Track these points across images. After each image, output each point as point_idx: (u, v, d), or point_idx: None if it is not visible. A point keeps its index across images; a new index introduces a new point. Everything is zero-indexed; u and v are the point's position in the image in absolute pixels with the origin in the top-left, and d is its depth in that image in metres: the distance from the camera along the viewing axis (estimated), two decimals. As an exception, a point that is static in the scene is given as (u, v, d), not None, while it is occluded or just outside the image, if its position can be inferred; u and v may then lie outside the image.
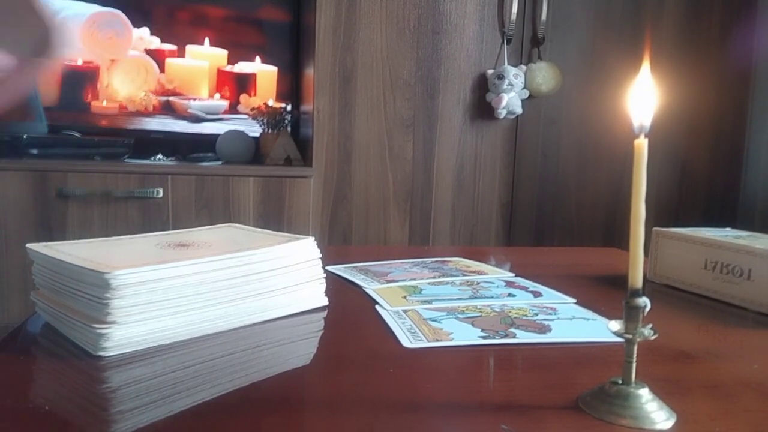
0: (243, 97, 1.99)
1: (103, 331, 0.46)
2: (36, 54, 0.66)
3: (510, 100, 1.81)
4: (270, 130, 1.85)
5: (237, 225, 0.71)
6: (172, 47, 1.93)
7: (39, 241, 0.57)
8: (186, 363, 0.46)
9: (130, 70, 1.90)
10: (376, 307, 0.59)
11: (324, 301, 0.61)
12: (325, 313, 0.60)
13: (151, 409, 0.37)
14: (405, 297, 0.62)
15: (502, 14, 1.86)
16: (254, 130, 1.89)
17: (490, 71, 1.85)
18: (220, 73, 1.98)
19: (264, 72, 2.00)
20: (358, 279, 0.71)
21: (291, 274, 0.58)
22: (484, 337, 0.49)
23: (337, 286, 0.68)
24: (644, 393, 0.35)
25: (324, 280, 0.61)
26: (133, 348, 0.48)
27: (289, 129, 1.91)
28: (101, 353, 0.46)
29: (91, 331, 0.47)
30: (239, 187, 1.62)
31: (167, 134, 1.92)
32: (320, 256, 0.60)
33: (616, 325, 0.36)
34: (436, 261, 0.80)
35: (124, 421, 0.35)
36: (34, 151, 1.56)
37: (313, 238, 0.60)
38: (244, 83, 1.99)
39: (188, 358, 0.47)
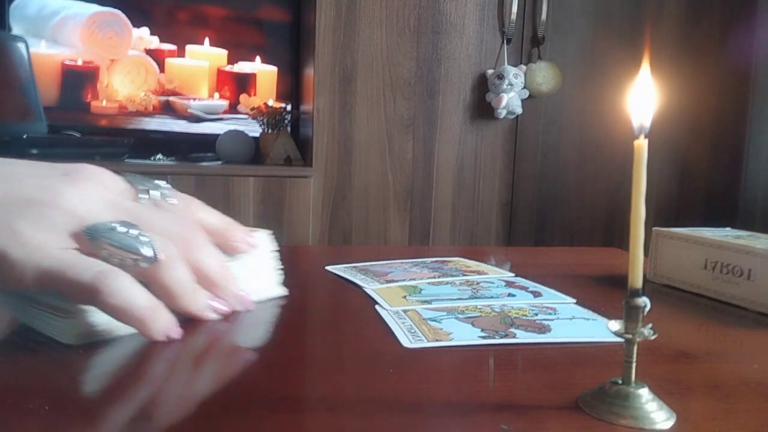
0: (243, 97, 1.99)
1: (72, 318, 0.44)
2: None
3: (510, 100, 1.81)
4: (270, 130, 1.85)
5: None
6: (172, 47, 1.93)
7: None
8: (168, 354, 0.46)
9: (130, 70, 1.90)
10: (376, 307, 0.59)
11: (282, 291, 0.59)
12: (324, 313, 0.59)
13: (150, 408, 0.36)
14: (405, 297, 0.62)
15: (502, 14, 1.86)
16: (254, 130, 1.89)
17: (490, 71, 1.85)
18: (220, 73, 1.98)
19: (264, 72, 2.00)
20: (358, 279, 0.70)
21: (245, 266, 0.57)
22: (483, 337, 0.49)
23: (337, 286, 0.68)
24: (644, 393, 0.35)
25: (281, 271, 0.58)
26: (107, 336, 0.46)
27: (289, 129, 1.91)
28: (72, 342, 0.44)
29: (60, 320, 0.45)
30: (239, 187, 1.62)
31: (167, 134, 1.92)
32: (277, 248, 0.58)
33: (615, 325, 0.35)
34: (436, 261, 0.80)
35: (116, 414, 0.35)
36: (34, 151, 1.56)
37: (270, 231, 0.57)
38: (244, 83, 1.99)
39: (168, 348, 0.46)
